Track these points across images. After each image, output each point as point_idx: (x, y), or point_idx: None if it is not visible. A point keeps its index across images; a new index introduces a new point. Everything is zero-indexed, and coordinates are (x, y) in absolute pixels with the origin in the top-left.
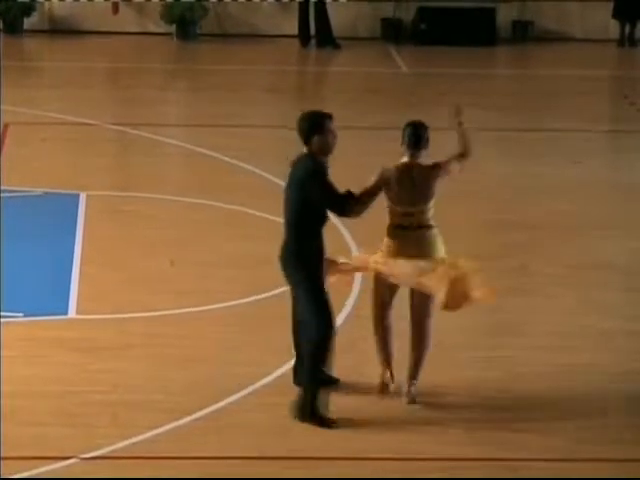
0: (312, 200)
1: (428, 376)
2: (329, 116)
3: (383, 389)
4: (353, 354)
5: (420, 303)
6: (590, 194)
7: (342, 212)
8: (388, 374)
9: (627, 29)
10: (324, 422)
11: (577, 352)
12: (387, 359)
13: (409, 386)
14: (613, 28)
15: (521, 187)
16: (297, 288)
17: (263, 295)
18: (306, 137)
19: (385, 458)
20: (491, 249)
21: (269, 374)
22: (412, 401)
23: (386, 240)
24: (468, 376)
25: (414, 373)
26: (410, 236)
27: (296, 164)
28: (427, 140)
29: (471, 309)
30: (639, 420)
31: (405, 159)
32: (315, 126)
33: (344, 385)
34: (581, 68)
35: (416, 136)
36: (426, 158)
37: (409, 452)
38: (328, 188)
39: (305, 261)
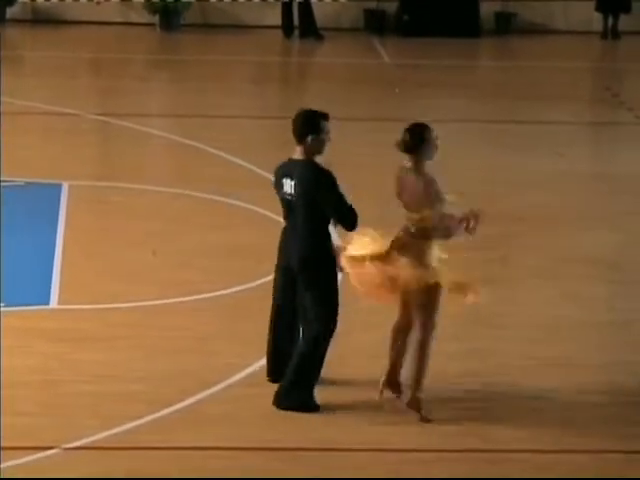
0: (324, 209)
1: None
2: (325, 116)
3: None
4: (335, 346)
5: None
6: (573, 186)
7: (352, 226)
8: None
9: (610, 22)
10: (311, 408)
11: (558, 344)
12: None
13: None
14: (596, 21)
15: (504, 178)
16: (310, 289)
17: (245, 286)
18: (300, 136)
19: (366, 449)
20: (472, 240)
21: (250, 365)
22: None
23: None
24: (449, 367)
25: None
26: (404, 240)
27: (294, 170)
28: (420, 143)
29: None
30: (621, 412)
31: (407, 162)
32: (311, 125)
33: (326, 377)
34: (564, 60)
35: (405, 142)
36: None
37: (390, 443)
38: (340, 201)
39: (322, 262)
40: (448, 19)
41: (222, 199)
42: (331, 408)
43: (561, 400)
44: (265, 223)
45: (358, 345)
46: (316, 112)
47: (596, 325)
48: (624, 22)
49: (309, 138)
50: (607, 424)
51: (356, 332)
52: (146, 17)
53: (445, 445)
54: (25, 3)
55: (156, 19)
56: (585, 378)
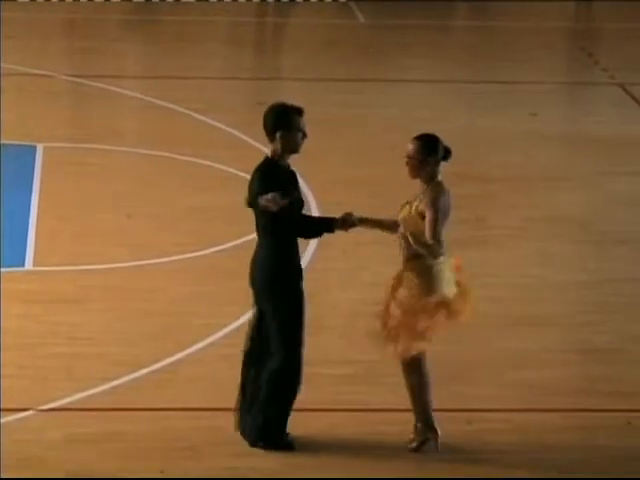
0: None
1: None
2: (297, 110)
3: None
4: (310, 307)
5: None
6: (547, 146)
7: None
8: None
9: None
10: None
11: (532, 304)
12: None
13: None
14: None
15: (477, 139)
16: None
17: (219, 247)
18: (268, 132)
19: (341, 409)
20: None
21: (226, 326)
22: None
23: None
24: None
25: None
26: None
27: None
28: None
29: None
30: (592, 371)
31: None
32: (280, 121)
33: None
34: (539, 20)
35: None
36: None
37: (365, 404)
38: None
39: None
40: None
41: (197, 160)
42: (306, 370)
43: (533, 359)
44: (240, 185)
45: (330, 306)
46: (287, 106)
47: (567, 285)
48: None
49: (278, 134)
50: (579, 383)
51: (329, 292)
52: None
53: None
54: None
55: None
56: (558, 337)
